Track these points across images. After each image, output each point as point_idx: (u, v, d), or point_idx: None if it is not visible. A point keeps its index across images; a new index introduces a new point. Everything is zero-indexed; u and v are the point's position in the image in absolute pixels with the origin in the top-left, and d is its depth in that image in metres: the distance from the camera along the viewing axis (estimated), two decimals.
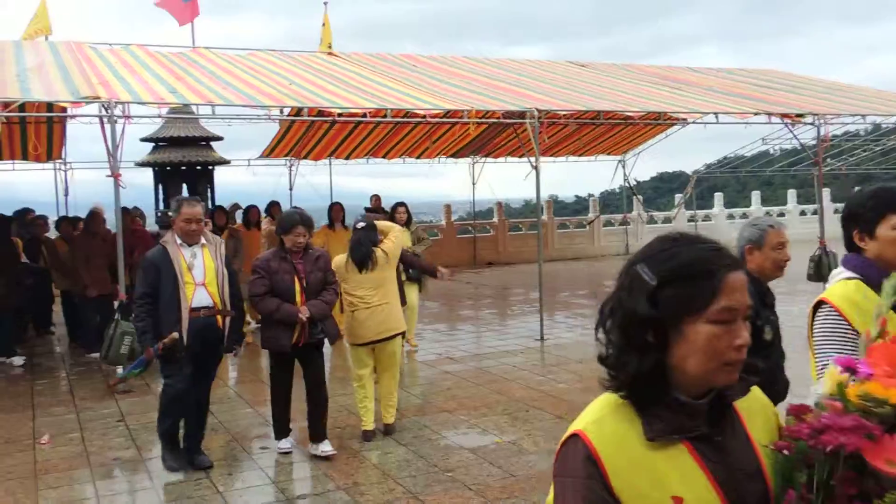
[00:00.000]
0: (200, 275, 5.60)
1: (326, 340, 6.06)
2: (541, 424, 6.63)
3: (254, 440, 6.53)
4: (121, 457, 6.20)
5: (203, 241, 5.70)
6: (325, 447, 5.96)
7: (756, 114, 12.27)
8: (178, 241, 5.61)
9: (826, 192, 24.13)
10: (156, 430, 5.96)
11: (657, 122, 15.75)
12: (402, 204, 10.06)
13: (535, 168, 10.79)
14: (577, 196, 44.07)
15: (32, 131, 13.03)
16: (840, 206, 26.19)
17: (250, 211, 11.54)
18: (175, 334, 5.40)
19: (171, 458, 5.80)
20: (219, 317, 5.68)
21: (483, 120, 12.23)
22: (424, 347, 10.13)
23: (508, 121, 11.78)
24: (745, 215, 24.48)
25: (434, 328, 11.65)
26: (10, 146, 13.57)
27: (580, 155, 20.28)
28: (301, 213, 6.03)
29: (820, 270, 12.22)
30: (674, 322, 1.42)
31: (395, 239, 6.42)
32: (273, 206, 11.97)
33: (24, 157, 14.56)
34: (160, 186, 15.94)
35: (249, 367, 9.50)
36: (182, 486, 5.55)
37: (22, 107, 8.43)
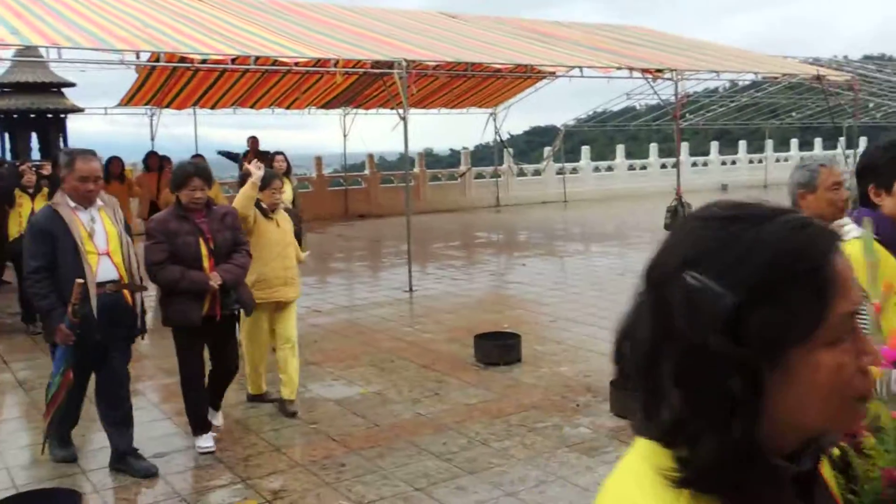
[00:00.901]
0: (103, 243, 4.64)
1: (242, 311, 5.28)
2: (406, 374, 6.70)
3: None
4: None
5: (100, 202, 4.73)
6: (216, 420, 5.46)
7: (618, 68, 12.63)
8: (72, 205, 4.58)
9: (684, 146, 25.27)
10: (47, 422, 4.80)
11: (527, 76, 15.97)
12: (280, 153, 9.79)
13: (404, 119, 10.73)
14: (451, 150, 44.33)
15: None
16: (697, 158, 27.53)
17: (112, 162, 10.57)
18: (79, 280, 4.37)
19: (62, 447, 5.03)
20: (127, 292, 4.74)
21: (352, 70, 12.07)
22: None
23: (377, 71, 11.64)
24: (610, 168, 25.35)
25: (303, 282, 11.50)
26: None
27: (452, 108, 20.37)
28: (196, 164, 5.16)
29: (676, 219, 12.83)
30: (772, 356, 0.87)
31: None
32: (150, 157, 11.25)
33: None
34: (6, 136, 14.88)
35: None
36: (30, 450, 5.29)
37: None
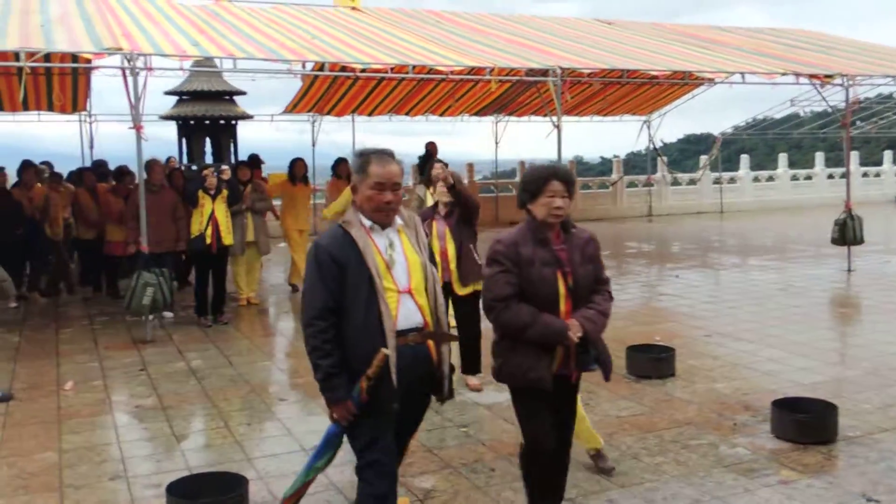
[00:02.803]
0: (404, 277, 3.44)
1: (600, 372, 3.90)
2: None
3: (273, 392, 6.64)
4: (142, 405, 6.33)
5: (398, 220, 3.55)
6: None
7: (784, 74, 12.05)
8: (367, 224, 3.44)
9: (854, 156, 23.78)
10: None
11: (683, 82, 15.49)
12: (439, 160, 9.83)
13: (557, 127, 10.69)
14: (601, 157, 43.78)
15: (57, 82, 13.11)
16: (869, 169, 25.84)
17: (296, 164, 11.13)
18: (385, 351, 3.25)
19: None
20: (432, 343, 3.52)
21: (506, 78, 12.14)
22: None
23: (531, 79, 11.65)
24: (771, 178, 24.22)
25: None
26: (35, 97, 13.66)
27: (605, 115, 20.10)
28: (555, 165, 3.90)
29: (844, 234, 12.10)
30: None
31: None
32: (340, 164, 11.33)
33: (50, 109, 14.67)
34: (184, 141, 16.01)
35: (265, 317, 9.62)
36: (201, 435, 5.67)
37: (47, 57, 8.46)
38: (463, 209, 6.36)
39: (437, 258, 6.05)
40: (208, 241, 8.87)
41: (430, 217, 6.43)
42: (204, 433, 5.71)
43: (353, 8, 14.65)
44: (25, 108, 14.25)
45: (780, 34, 16.89)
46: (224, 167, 9.33)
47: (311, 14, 13.18)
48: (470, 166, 20.72)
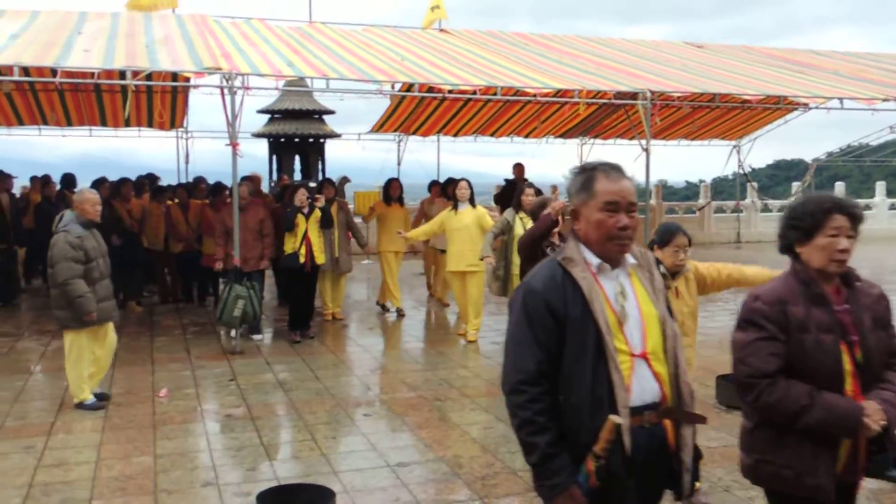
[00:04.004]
0: (638, 335, 2.60)
1: None
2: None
3: (358, 407, 6.72)
4: (232, 414, 6.48)
5: (630, 259, 2.69)
6: None
7: (885, 100, 11.67)
8: (594, 262, 2.63)
9: None
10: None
11: (776, 107, 15.10)
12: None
13: (646, 151, 10.58)
14: (687, 181, 42.94)
15: (158, 100, 13.65)
16: None
17: (391, 185, 11.09)
18: (616, 419, 2.46)
19: None
20: (669, 424, 2.65)
21: (594, 100, 12.09)
22: None
23: (620, 101, 11.57)
24: (868, 207, 23.35)
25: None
26: (137, 114, 14.26)
27: (692, 139, 19.74)
28: (837, 198, 2.98)
29: None
30: None
31: None
32: (449, 185, 11.07)
33: (150, 125, 15.30)
34: (274, 158, 16.44)
35: (349, 332, 9.74)
36: (289, 447, 5.77)
37: (149, 76, 8.84)
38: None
39: None
40: (302, 259, 9.01)
41: None
42: (291, 445, 5.82)
43: (442, 30, 14.84)
44: (127, 124, 14.93)
45: (879, 59, 16.32)
46: (318, 196, 9.37)
47: (400, 36, 13.42)
48: (554, 188, 20.59)
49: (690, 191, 37.12)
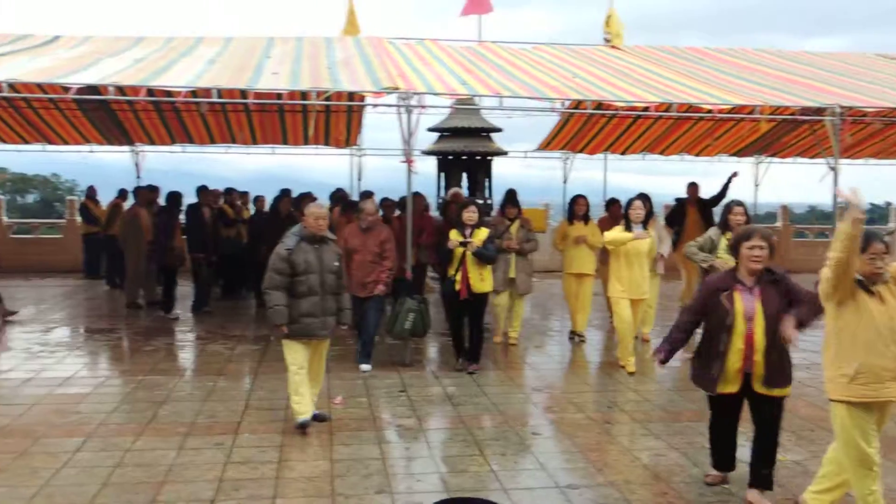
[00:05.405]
0: None
1: None
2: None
3: (526, 425, 6.70)
4: (403, 424, 6.63)
5: None
6: None
7: None
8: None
9: None
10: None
11: None
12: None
13: (834, 170, 9.95)
14: (871, 203, 40.03)
15: (336, 119, 14.29)
16: None
17: (577, 202, 10.37)
18: None
19: None
20: None
21: (775, 116, 11.51)
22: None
23: (804, 118, 10.95)
24: None
25: None
26: (316, 132, 14.98)
27: (882, 158, 18.39)
28: None
29: None
30: None
31: None
32: (613, 204, 10.89)
33: (327, 143, 16.04)
34: (442, 175, 16.75)
35: (516, 350, 9.72)
36: (458, 460, 5.83)
37: (328, 97, 9.26)
38: (786, 287, 4.91)
39: (739, 344, 4.84)
40: (457, 287, 8.47)
41: (730, 286, 4.94)
42: (460, 458, 5.86)
43: (613, 46, 14.65)
44: (306, 142, 15.72)
45: None
46: (471, 241, 8.51)
47: (571, 53, 13.35)
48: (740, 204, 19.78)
49: (875, 213, 34.47)
